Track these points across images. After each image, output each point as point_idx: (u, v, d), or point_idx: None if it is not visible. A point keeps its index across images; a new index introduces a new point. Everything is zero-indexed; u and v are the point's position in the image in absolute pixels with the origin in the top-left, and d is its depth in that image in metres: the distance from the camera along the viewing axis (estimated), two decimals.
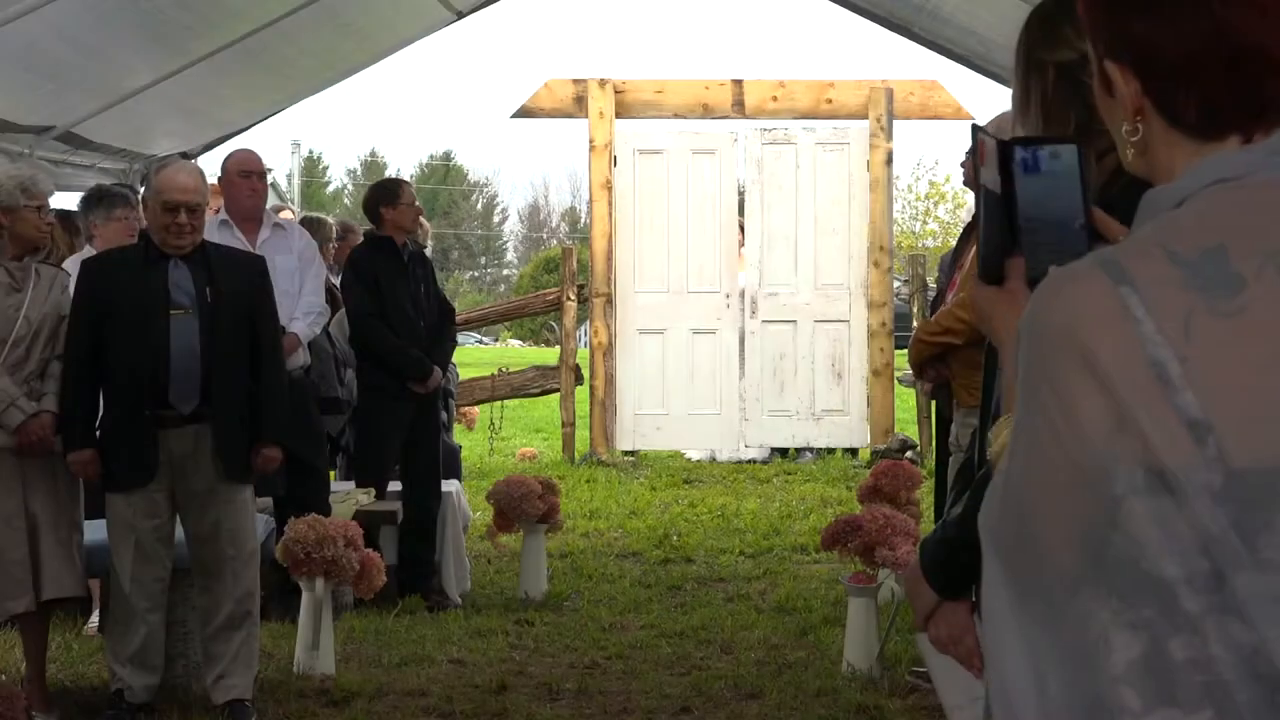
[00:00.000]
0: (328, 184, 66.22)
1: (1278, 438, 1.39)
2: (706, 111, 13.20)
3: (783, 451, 13.14)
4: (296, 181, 48.79)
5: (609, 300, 12.89)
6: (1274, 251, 1.44)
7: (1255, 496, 1.39)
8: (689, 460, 13.01)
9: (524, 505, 7.61)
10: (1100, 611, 1.43)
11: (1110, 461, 1.42)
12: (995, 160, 1.70)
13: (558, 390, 12.57)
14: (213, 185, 7.90)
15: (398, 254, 7.67)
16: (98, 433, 5.58)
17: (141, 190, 5.67)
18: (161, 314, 5.49)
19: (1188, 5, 1.51)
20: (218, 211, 7.25)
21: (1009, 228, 1.70)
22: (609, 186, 12.91)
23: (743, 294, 13.10)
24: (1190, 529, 1.39)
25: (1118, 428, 1.42)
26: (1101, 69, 1.59)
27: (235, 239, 6.97)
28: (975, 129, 1.73)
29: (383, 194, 7.78)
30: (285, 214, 9.20)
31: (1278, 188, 1.49)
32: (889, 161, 12.93)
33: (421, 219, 8.92)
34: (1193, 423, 1.39)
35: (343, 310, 8.02)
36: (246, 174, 7.29)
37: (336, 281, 8.36)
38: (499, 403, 13.50)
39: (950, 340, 5.39)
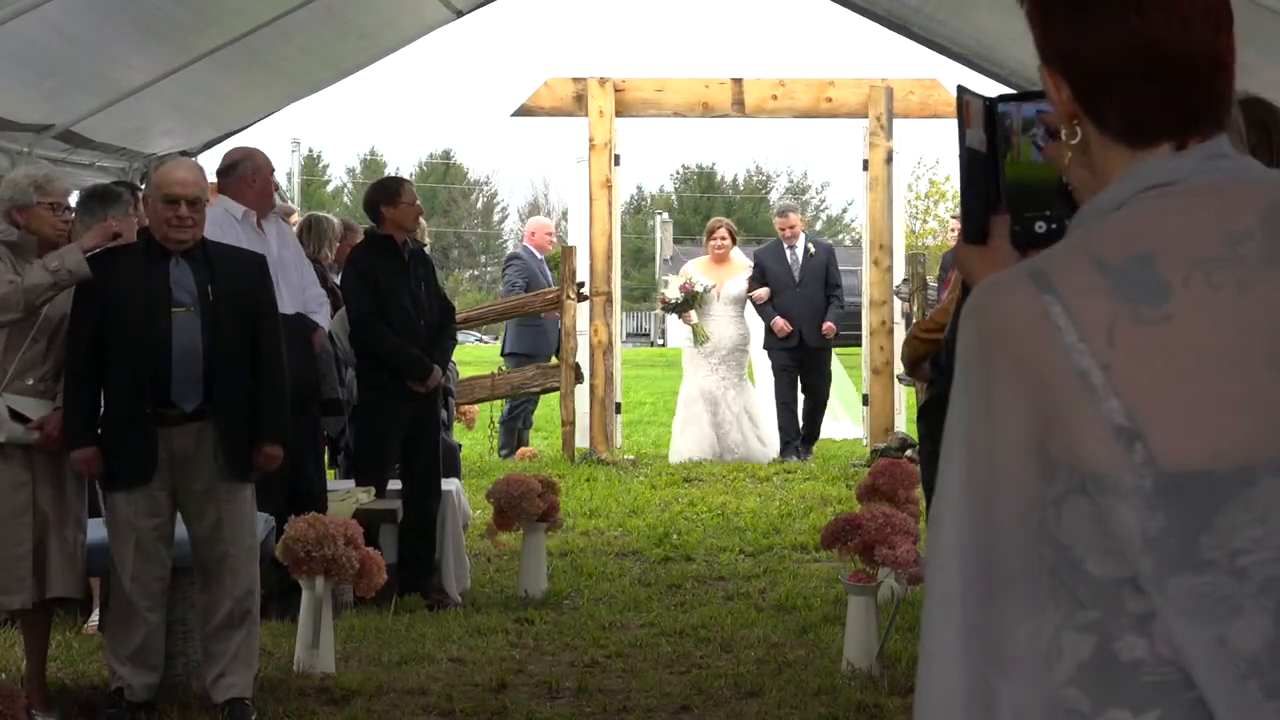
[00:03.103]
0: (328, 183, 66.21)
1: (1207, 442, 1.41)
2: (706, 110, 13.21)
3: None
4: (296, 180, 48.81)
5: (609, 299, 12.89)
6: (1202, 259, 1.45)
7: (1191, 499, 1.40)
8: (688, 459, 12.95)
9: (524, 504, 7.61)
10: (1052, 613, 1.44)
11: (1046, 463, 1.44)
12: (981, 120, 1.70)
13: (558, 389, 12.57)
14: (210, 184, 7.96)
15: (398, 253, 7.67)
16: (99, 430, 5.57)
17: (143, 188, 5.66)
18: (163, 311, 5.49)
19: (1105, 17, 1.52)
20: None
21: (993, 186, 1.70)
22: (609, 186, 12.90)
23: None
24: (1129, 531, 1.41)
25: (1050, 433, 1.44)
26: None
27: (257, 234, 7.04)
28: (961, 90, 1.72)
29: (383, 193, 7.78)
30: (295, 218, 9.22)
31: (1209, 193, 1.50)
32: (889, 160, 12.93)
33: (420, 219, 8.92)
34: (1119, 429, 1.41)
35: (344, 309, 8.02)
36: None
37: (337, 280, 8.37)
38: (499, 401, 13.49)
39: (941, 337, 5.37)
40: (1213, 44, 1.51)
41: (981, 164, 1.71)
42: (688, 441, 12.79)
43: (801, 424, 12.87)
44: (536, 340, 13.33)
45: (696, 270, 13.09)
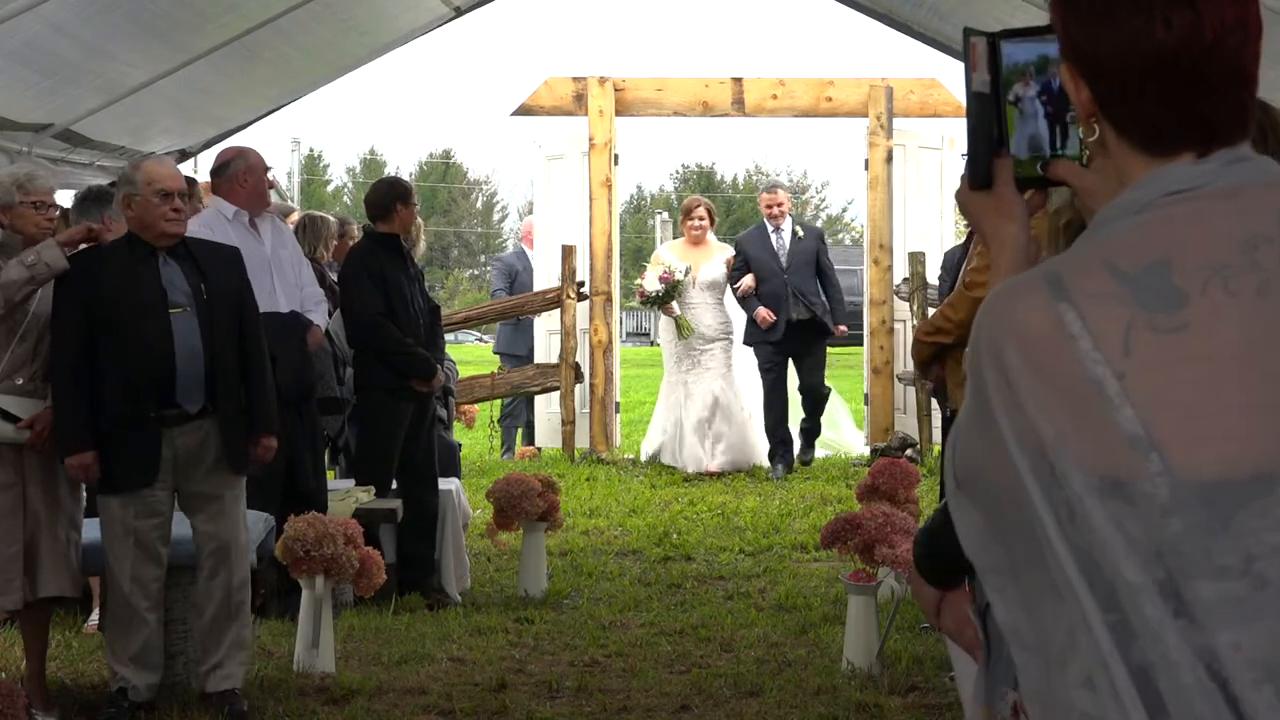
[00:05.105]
0: (328, 182, 66.22)
1: (1223, 449, 1.40)
2: (706, 110, 13.20)
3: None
4: (296, 180, 48.81)
5: (609, 298, 12.88)
6: (1220, 265, 1.43)
7: (1208, 506, 1.40)
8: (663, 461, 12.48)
9: (524, 503, 7.60)
10: (1067, 615, 1.44)
11: (1061, 468, 1.43)
12: (986, 60, 1.66)
13: (558, 388, 12.56)
14: (203, 183, 7.97)
15: (402, 252, 7.69)
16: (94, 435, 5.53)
17: (122, 190, 5.61)
18: (162, 314, 5.48)
19: (1129, 25, 1.48)
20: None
21: (997, 127, 1.66)
22: (609, 185, 12.90)
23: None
24: (1144, 537, 1.40)
25: (1064, 438, 1.43)
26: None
27: (249, 233, 7.03)
28: (967, 31, 1.69)
29: (401, 191, 7.78)
30: (294, 217, 9.22)
31: (1227, 197, 1.48)
32: (889, 160, 12.92)
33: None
34: (1134, 438, 1.40)
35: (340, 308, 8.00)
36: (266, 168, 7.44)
37: (334, 278, 8.36)
38: (499, 400, 13.49)
39: (941, 339, 5.39)
40: (1239, 56, 1.49)
41: (986, 105, 1.67)
42: (667, 448, 12.06)
43: (802, 421, 11.96)
44: (514, 339, 13.37)
45: (671, 255, 12.14)
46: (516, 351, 13.31)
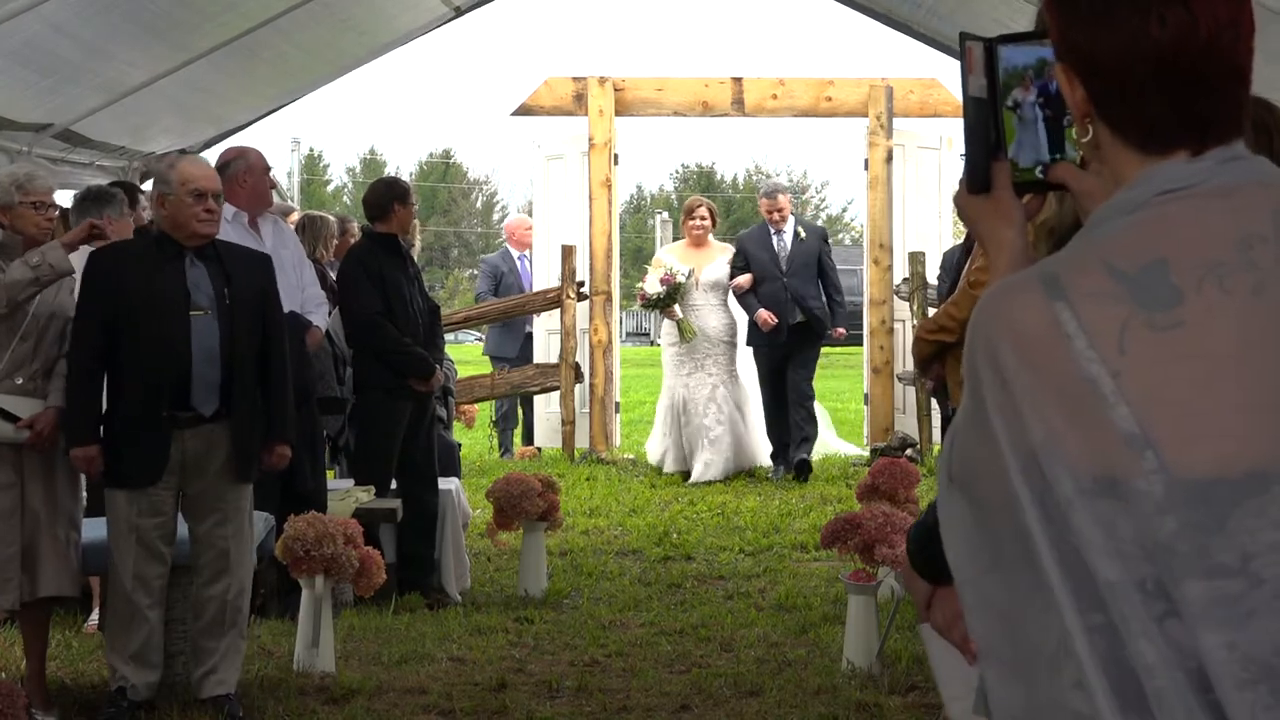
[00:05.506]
0: (328, 182, 66.24)
1: (1219, 448, 1.40)
2: (706, 110, 13.21)
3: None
4: (296, 179, 48.83)
5: (609, 298, 12.88)
6: (1216, 263, 1.44)
7: (1203, 505, 1.40)
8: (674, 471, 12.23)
9: (524, 503, 7.60)
10: (1059, 616, 1.44)
11: (1055, 467, 1.43)
12: (983, 64, 1.66)
13: (558, 388, 12.57)
14: None
15: (400, 251, 7.69)
16: (104, 429, 5.54)
17: (149, 186, 5.64)
18: (183, 315, 5.47)
19: (1126, 23, 1.49)
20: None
21: (995, 132, 1.66)
22: (609, 185, 12.90)
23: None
24: (1138, 536, 1.40)
25: (1059, 437, 1.43)
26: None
27: (249, 234, 7.03)
28: (963, 36, 1.68)
29: (399, 191, 7.79)
30: (294, 216, 9.22)
31: (1224, 195, 1.48)
32: (889, 160, 12.92)
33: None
34: (1129, 436, 1.40)
35: (338, 307, 8.00)
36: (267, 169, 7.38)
37: (334, 277, 8.36)
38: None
39: (943, 338, 5.39)
40: (1233, 53, 1.49)
41: (983, 109, 1.67)
42: (671, 453, 11.79)
43: (793, 432, 11.57)
44: (503, 341, 13.33)
45: (672, 257, 11.90)
46: (506, 354, 13.26)
